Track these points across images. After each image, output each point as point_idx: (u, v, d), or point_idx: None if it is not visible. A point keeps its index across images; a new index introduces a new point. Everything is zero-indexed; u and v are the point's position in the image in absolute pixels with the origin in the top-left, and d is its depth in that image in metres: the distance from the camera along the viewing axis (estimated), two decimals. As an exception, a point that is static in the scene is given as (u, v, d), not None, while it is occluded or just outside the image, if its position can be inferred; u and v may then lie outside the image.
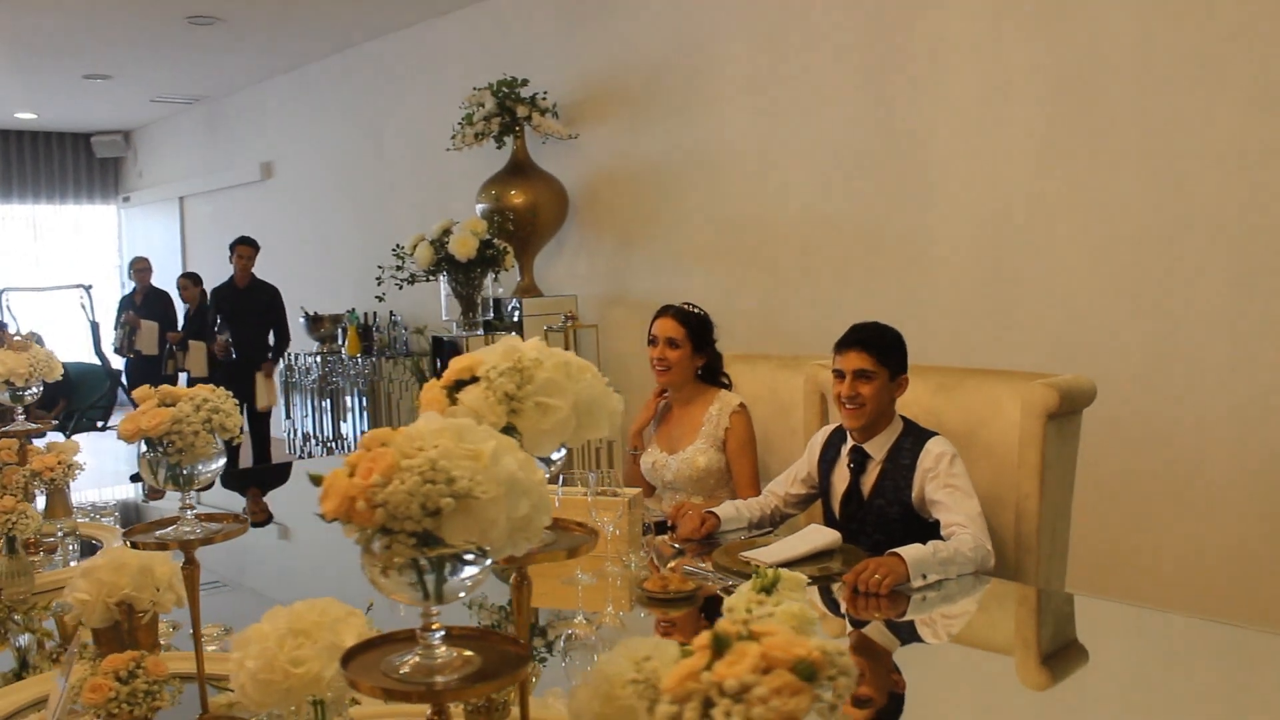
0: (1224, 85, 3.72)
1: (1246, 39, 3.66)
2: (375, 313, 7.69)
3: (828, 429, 2.81)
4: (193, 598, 1.48)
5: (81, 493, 3.26)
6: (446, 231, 5.61)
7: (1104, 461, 3.86)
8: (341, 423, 7.66)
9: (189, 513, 1.49)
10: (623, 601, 2.33)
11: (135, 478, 7.99)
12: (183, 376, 8.15)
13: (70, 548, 2.58)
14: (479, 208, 6.28)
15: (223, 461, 1.47)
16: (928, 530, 2.49)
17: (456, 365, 1.14)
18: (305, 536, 3.16)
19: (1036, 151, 4.25)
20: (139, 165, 11.99)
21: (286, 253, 8.80)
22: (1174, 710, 1.81)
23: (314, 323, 7.96)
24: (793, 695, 0.62)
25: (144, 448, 1.45)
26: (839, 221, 5.01)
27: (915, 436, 2.58)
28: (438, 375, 4.31)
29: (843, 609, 2.20)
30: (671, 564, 2.45)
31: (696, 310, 3.26)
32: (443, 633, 0.96)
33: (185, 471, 1.44)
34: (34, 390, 2.58)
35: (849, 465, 2.64)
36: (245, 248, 7.39)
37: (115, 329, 8.39)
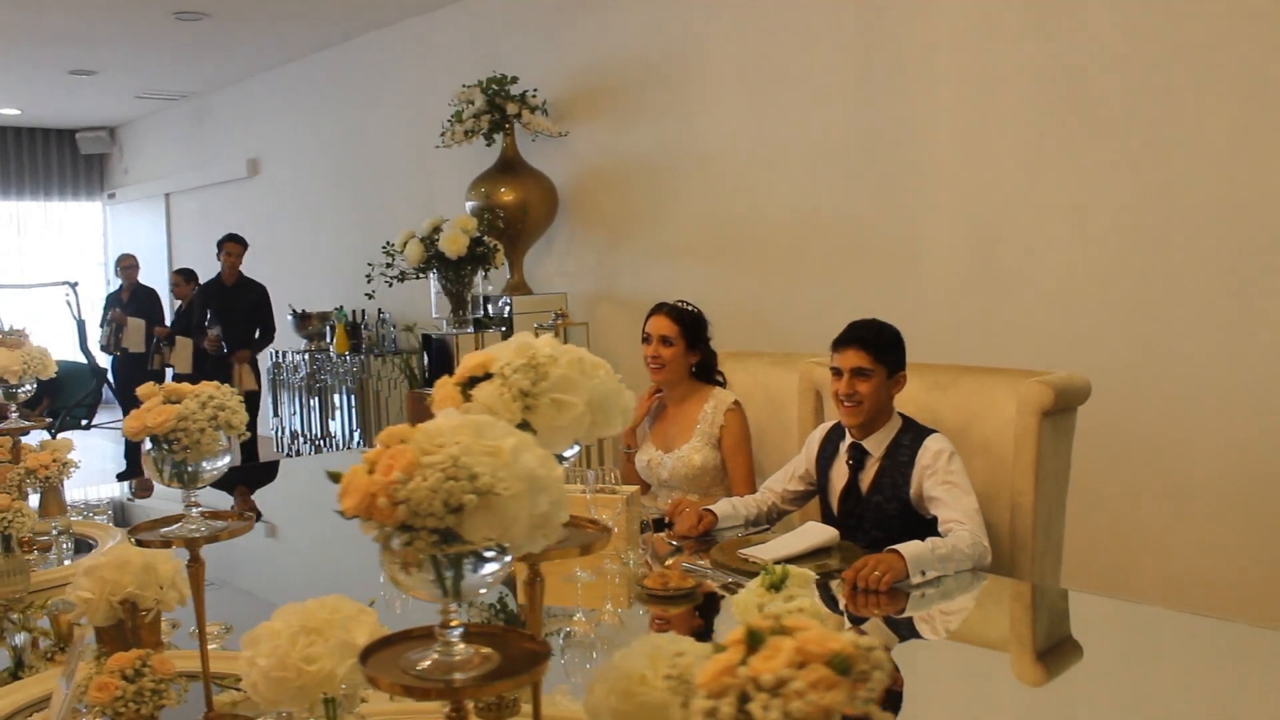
0: (1213, 84, 3.74)
1: (1235, 38, 3.68)
2: (364, 310, 7.66)
3: (826, 426, 2.81)
4: (198, 596, 1.47)
5: (68, 491, 3.24)
6: (437, 229, 5.60)
7: (1092, 459, 3.88)
8: (330, 421, 7.63)
9: (194, 510, 1.48)
10: (621, 599, 2.33)
11: (122, 476, 7.98)
12: (168, 373, 8.13)
13: (64, 546, 2.56)
14: (468, 205, 6.26)
15: (228, 459, 1.46)
16: (925, 526, 2.50)
17: (469, 362, 1.13)
18: (295, 535, 3.15)
19: (1027, 150, 4.27)
20: (124, 162, 11.92)
21: (274, 250, 8.76)
22: (1167, 704, 1.82)
23: (302, 320, 7.93)
24: (829, 689, 0.62)
25: (149, 445, 1.44)
26: (829, 219, 5.02)
27: (914, 433, 2.59)
28: (427, 373, 4.31)
29: (841, 606, 2.21)
30: (669, 561, 2.46)
31: (690, 308, 3.26)
32: (461, 630, 0.96)
33: (190, 469, 1.43)
34: (27, 388, 2.56)
35: (848, 462, 2.65)
36: (233, 245, 7.38)
37: (101, 326, 8.34)
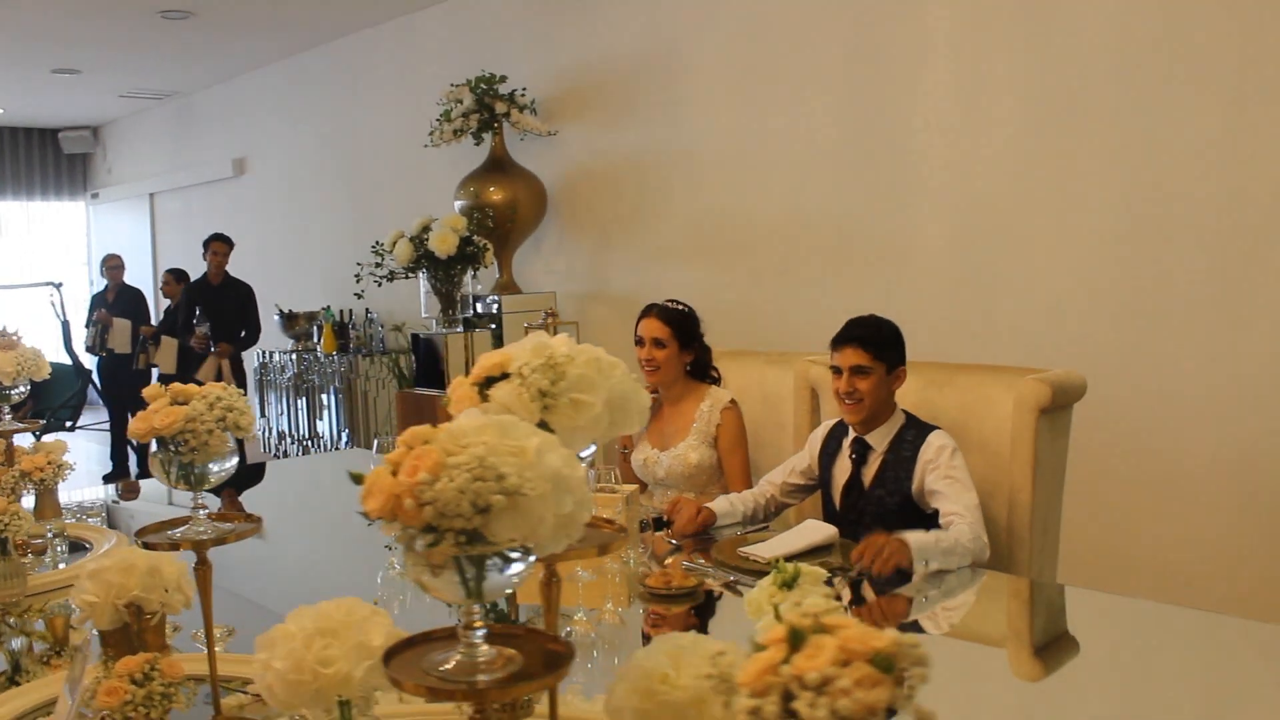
0: (1203, 83, 3.76)
1: (1225, 36, 3.71)
2: (351, 310, 7.63)
3: (829, 423, 2.83)
4: (205, 599, 1.46)
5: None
6: (426, 228, 5.59)
7: (1083, 456, 3.90)
8: (318, 421, 7.60)
9: (200, 512, 1.47)
10: (622, 597, 2.33)
11: (108, 478, 7.92)
12: (154, 373, 8.09)
13: (59, 549, 2.54)
14: (457, 204, 6.25)
15: (235, 460, 1.45)
16: (925, 521, 2.51)
17: (486, 362, 1.13)
18: (286, 537, 3.13)
19: (1016, 148, 4.29)
20: (108, 161, 11.84)
21: (260, 250, 8.72)
22: (1162, 698, 1.83)
23: (289, 320, 7.90)
24: (873, 686, 0.63)
25: (154, 446, 1.43)
26: (818, 218, 5.03)
27: (917, 429, 2.61)
28: (416, 373, 4.28)
29: (844, 602, 2.21)
30: (669, 560, 2.46)
31: (680, 307, 3.25)
32: (485, 631, 0.96)
33: (198, 470, 1.42)
34: (21, 389, 2.54)
35: (851, 456, 2.67)
36: (219, 245, 7.35)
37: (87, 327, 8.29)
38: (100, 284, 8.92)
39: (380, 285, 5.90)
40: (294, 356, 7.79)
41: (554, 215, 6.41)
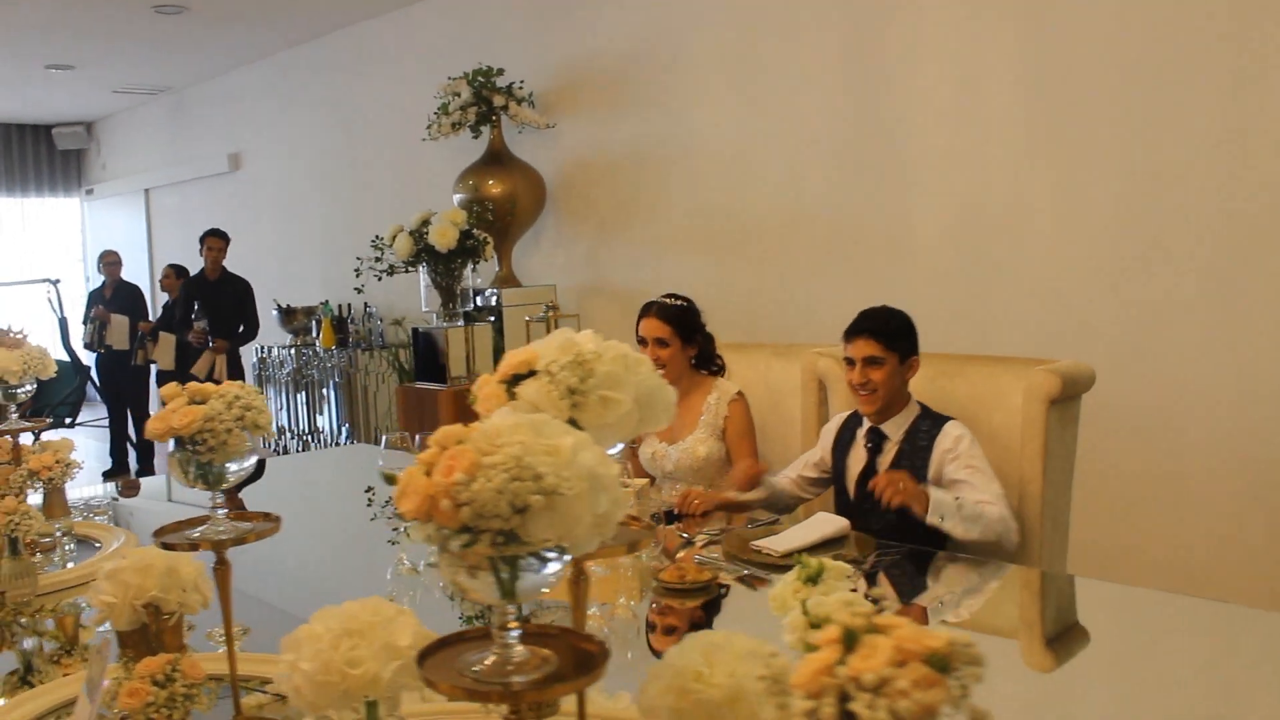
0: (1202, 74, 3.76)
1: (1224, 27, 3.70)
2: (349, 304, 7.61)
3: (842, 415, 2.84)
4: (225, 599, 1.45)
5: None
6: (425, 222, 5.56)
7: (1085, 447, 3.89)
8: (318, 415, 7.58)
9: (219, 512, 1.46)
10: (634, 591, 2.32)
11: (108, 475, 7.90)
12: (152, 369, 8.07)
13: (68, 548, 2.53)
14: (456, 198, 6.23)
15: (254, 460, 1.44)
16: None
17: (512, 359, 1.12)
18: (289, 534, 3.10)
19: (1015, 140, 4.28)
20: (102, 157, 11.79)
21: (256, 245, 8.69)
22: (1173, 688, 1.83)
23: (287, 315, 7.88)
24: (930, 687, 0.62)
25: (172, 446, 1.42)
26: (817, 211, 5.02)
27: (932, 420, 2.63)
28: (416, 368, 4.25)
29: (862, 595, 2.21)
30: (680, 554, 2.45)
31: (679, 302, 3.24)
32: (519, 631, 0.95)
33: (216, 470, 1.41)
34: (28, 388, 2.53)
35: (866, 445, 2.68)
36: (215, 240, 7.32)
37: (84, 324, 8.26)
38: (97, 280, 8.89)
39: (380, 279, 5.88)
40: (293, 351, 7.78)
41: (553, 208, 6.39)
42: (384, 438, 2.37)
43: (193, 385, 1.43)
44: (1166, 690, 1.82)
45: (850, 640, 0.65)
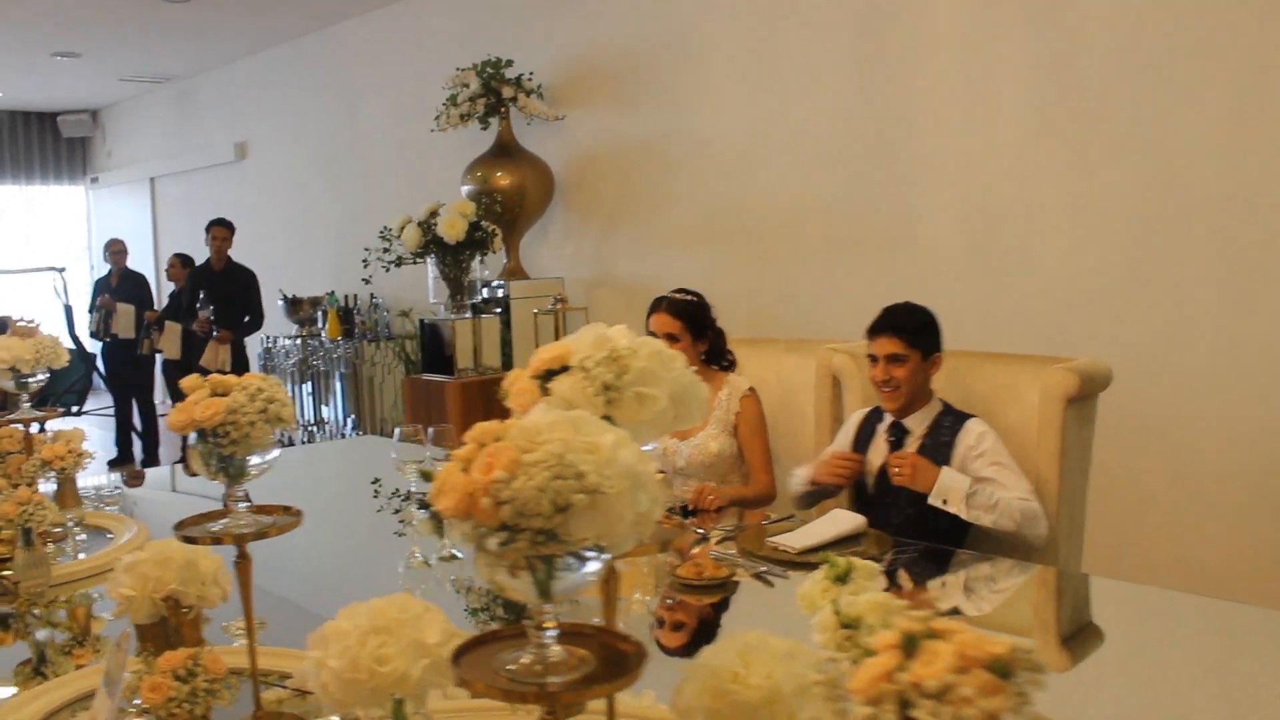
0: (1212, 73, 3.73)
1: (1235, 27, 3.67)
2: (356, 295, 7.60)
3: (864, 410, 2.84)
4: (245, 593, 1.44)
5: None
6: (434, 213, 5.55)
7: (1098, 447, 3.88)
8: (324, 406, 7.57)
9: (240, 505, 1.44)
10: (650, 587, 2.31)
11: (113, 464, 7.89)
12: (158, 358, 8.06)
13: (79, 538, 2.52)
14: (464, 189, 6.21)
15: (276, 453, 1.43)
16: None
17: (544, 355, 1.10)
18: (301, 528, 3.09)
19: (1025, 138, 4.26)
20: (108, 145, 11.77)
21: (262, 235, 8.68)
22: (1187, 688, 1.83)
23: (293, 305, 7.86)
24: (993, 694, 0.61)
25: (193, 439, 1.40)
26: (826, 205, 5.00)
27: (954, 416, 2.63)
28: (423, 359, 4.24)
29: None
30: (695, 550, 2.44)
31: (690, 297, 3.21)
32: (556, 631, 0.94)
33: (238, 463, 1.39)
34: (40, 377, 2.51)
35: (889, 439, 2.68)
36: (220, 229, 7.29)
37: (90, 312, 8.25)
38: (103, 269, 8.87)
39: (388, 270, 5.87)
40: (299, 342, 7.76)
41: (561, 200, 6.37)
42: (397, 430, 2.35)
43: (214, 377, 1.41)
44: (1179, 690, 1.81)
45: (910, 645, 0.63)
